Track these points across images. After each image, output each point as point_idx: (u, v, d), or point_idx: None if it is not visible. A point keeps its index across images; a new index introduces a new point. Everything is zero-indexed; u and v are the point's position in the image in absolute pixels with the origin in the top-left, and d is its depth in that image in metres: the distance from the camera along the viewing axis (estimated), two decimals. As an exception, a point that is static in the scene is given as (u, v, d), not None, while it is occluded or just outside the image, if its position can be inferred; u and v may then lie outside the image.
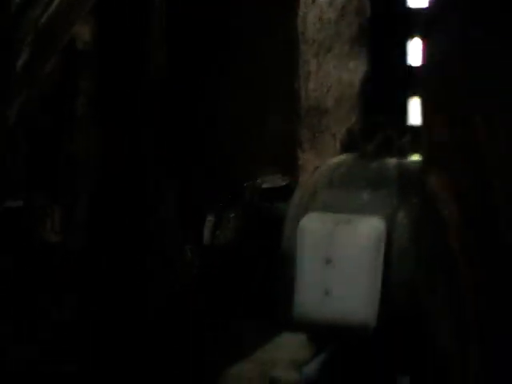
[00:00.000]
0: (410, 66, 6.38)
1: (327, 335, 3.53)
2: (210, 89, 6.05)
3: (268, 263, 3.68)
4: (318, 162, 5.89)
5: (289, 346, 4.03)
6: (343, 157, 3.83)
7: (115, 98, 5.28)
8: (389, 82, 6.37)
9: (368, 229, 3.47)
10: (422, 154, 3.54)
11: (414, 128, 5.53)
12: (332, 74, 6.22)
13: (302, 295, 3.52)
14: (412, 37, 6.36)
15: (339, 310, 3.49)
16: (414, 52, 6.39)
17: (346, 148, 6.40)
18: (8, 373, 3.96)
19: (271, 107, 6.03)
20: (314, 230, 3.50)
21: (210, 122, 6.07)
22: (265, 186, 3.88)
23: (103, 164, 5.11)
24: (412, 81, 6.33)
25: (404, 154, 3.80)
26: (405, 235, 3.51)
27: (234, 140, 6.06)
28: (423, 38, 3.17)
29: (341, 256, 3.48)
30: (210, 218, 3.76)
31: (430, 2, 3.09)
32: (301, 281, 3.54)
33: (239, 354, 4.03)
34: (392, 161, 3.75)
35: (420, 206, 3.57)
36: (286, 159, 6.13)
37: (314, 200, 3.66)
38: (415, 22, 6.19)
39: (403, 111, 6.42)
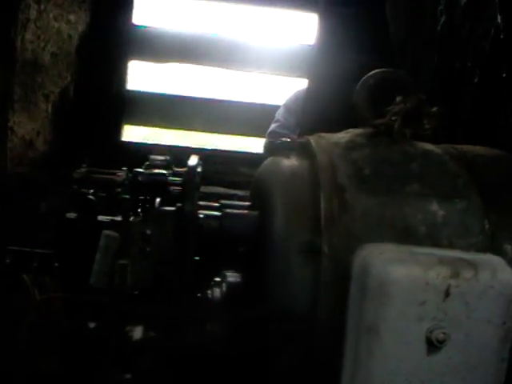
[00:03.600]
0: (135, 26, 4.02)
1: None
2: None
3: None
4: (30, 125, 3.74)
5: None
6: (347, 135, 1.53)
7: None
8: (109, 40, 3.95)
9: (507, 280, 1.29)
10: None
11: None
12: (51, 25, 3.77)
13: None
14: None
15: None
16: (140, 12, 4.08)
17: (57, 110, 4.07)
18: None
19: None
20: (408, 284, 1.22)
21: None
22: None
23: None
24: (135, 42, 4.06)
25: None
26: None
27: None
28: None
29: (467, 331, 1.25)
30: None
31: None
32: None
33: None
34: (434, 147, 1.60)
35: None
36: (-6, 121, 3.51)
37: (345, 210, 1.34)
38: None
39: (123, 73, 4.11)
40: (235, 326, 1.45)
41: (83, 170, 1.60)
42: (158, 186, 1.51)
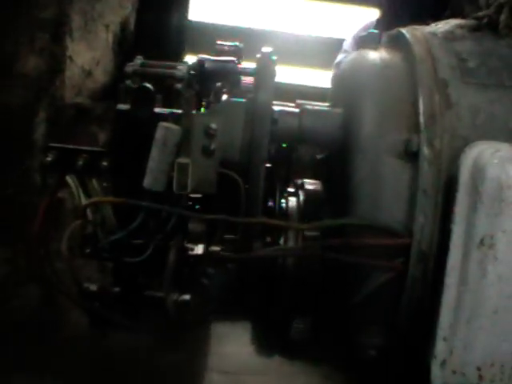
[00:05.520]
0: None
1: None
2: None
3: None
4: (89, 54, 3.46)
5: None
6: (445, 26, 1.20)
7: None
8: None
9: None
10: None
11: None
12: (109, -49, 3.46)
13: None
14: None
15: None
16: None
17: (118, 40, 3.86)
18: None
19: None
20: None
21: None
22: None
23: None
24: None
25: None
26: None
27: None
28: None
29: None
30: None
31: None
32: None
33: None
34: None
35: None
36: (53, 48, 3.21)
37: (448, 106, 1.01)
38: None
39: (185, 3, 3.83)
40: (314, 240, 1.19)
41: (138, 61, 1.33)
42: (227, 73, 1.24)
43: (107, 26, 3.62)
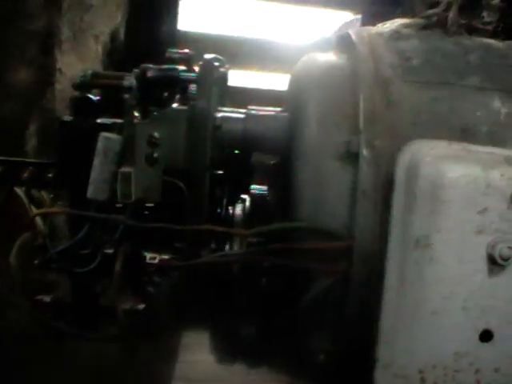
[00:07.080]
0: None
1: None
2: None
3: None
4: (78, 66, 3.33)
5: None
6: (392, 25, 1.17)
7: None
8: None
9: None
10: None
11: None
12: (100, -38, 3.43)
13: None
14: None
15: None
16: None
17: (108, 52, 3.86)
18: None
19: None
20: (465, 186, 0.88)
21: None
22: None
23: None
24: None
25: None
26: None
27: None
28: None
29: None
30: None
31: None
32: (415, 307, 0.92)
33: None
34: (494, 41, 1.22)
35: None
36: (42, 61, 3.22)
37: (389, 106, 0.99)
38: None
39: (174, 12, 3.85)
40: (256, 245, 1.17)
41: (88, 73, 1.32)
42: (169, 82, 1.23)
43: (97, 37, 3.62)
